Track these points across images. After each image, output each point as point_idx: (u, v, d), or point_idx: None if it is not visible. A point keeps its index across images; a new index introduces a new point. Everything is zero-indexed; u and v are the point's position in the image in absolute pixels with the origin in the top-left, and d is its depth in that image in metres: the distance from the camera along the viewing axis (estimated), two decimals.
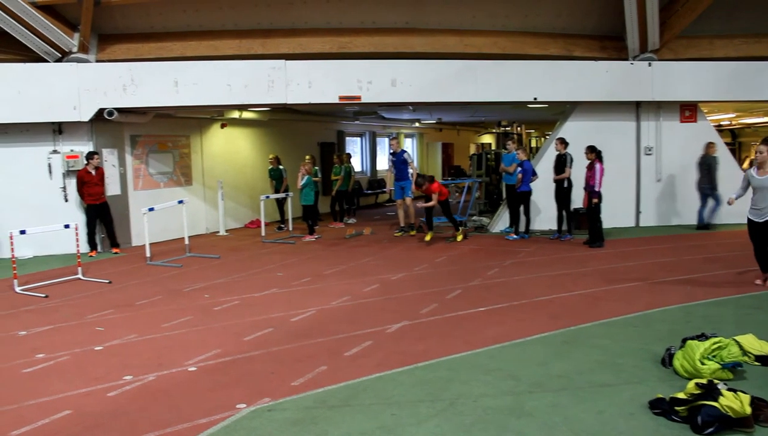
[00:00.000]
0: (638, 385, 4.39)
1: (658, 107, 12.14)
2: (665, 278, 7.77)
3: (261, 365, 5.03)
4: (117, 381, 4.72)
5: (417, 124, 22.66)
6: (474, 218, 13.73)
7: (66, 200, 10.81)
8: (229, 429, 3.87)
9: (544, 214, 11.84)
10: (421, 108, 15.84)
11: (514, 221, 11.57)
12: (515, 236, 11.33)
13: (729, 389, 3.82)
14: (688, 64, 11.67)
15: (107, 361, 5.22)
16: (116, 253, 10.77)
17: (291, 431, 3.83)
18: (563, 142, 10.92)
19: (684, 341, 4.79)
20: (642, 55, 11.59)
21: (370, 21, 11.56)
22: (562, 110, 13.58)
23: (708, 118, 12.86)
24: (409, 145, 23.42)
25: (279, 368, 4.94)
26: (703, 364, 4.43)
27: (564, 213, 11.07)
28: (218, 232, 13.25)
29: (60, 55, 10.64)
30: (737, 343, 4.71)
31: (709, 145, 11.66)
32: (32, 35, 10.06)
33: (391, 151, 12.66)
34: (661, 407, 3.91)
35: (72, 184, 10.71)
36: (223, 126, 13.99)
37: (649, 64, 11.57)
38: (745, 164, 17.17)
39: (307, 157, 12.79)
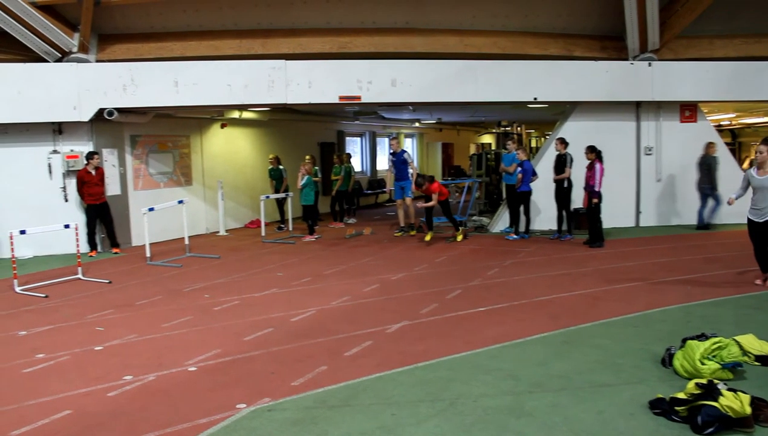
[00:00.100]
0: (638, 385, 4.39)
1: (658, 107, 12.14)
2: (665, 278, 7.77)
3: (261, 365, 5.03)
4: (117, 381, 4.72)
5: (417, 124, 22.66)
6: (474, 218, 13.73)
7: (66, 200, 10.81)
8: (229, 429, 3.87)
9: (544, 215, 11.84)
10: (421, 108, 15.84)
11: (514, 221, 11.58)
12: (515, 236, 11.34)
13: (729, 389, 3.82)
14: (688, 64, 11.68)
15: (107, 361, 5.22)
16: (116, 253, 10.77)
17: (291, 431, 3.83)
18: (563, 142, 10.92)
19: (684, 341, 4.79)
20: (642, 55, 11.60)
21: (370, 21, 11.56)
22: (562, 110, 13.58)
23: (708, 118, 12.85)
24: (409, 145, 23.42)
25: (279, 368, 4.94)
26: (703, 364, 4.43)
27: (564, 213, 11.07)
28: (218, 232, 13.25)
29: (60, 55, 10.64)
30: (737, 343, 4.71)
31: (709, 145, 11.66)
32: (32, 35, 10.06)
33: (391, 151, 12.66)
34: (661, 407, 3.92)
35: (72, 184, 10.71)
36: (223, 126, 13.99)
37: (649, 64, 11.57)
38: (745, 164, 17.17)
39: (307, 157, 12.79)
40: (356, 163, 19.00)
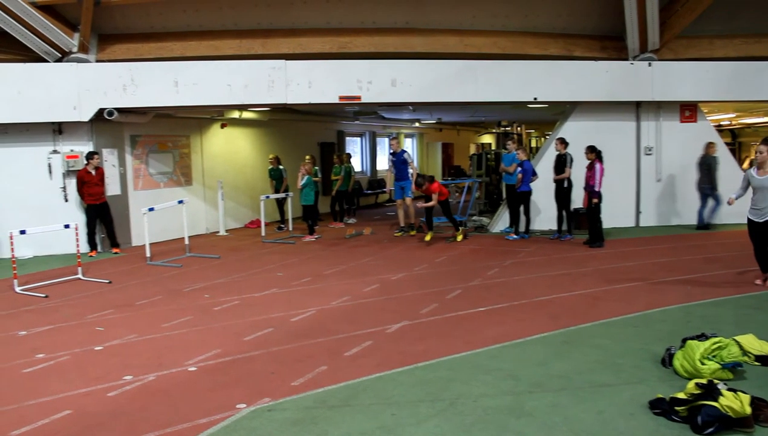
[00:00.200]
0: (638, 385, 4.39)
1: (658, 107, 12.14)
2: (665, 278, 7.77)
3: (261, 365, 5.03)
4: (117, 381, 4.72)
5: (417, 124, 22.66)
6: (474, 217, 13.74)
7: (66, 200, 10.81)
8: (229, 429, 3.87)
9: (544, 215, 11.84)
10: (421, 108, 15.84)
11: (514, 220, 11.57)
12: (515, 236, 11.34)
13: (729, 389, 3.82)
14: (688, 64, 11.67)
15: (107, 361, 5.22)
16: (116, 253, 10.77)
17: (291, 431, 3.83)
18: (563, 142, 10.92)
19: (684, 341, 4.79)
20: (642, 55, 11.60)
21: (370, 21, 11.56)
22: (562, 110, 13.58)
23: (708, 118, 12.85)
24: (409, 145, 23.42)
25: (279, 368, 4.94)
26: (703, 364, 4.43)
27: (564, 213, 11.07)
28: (218, 232, 13.25)
29: (60, 55, 10.64)
30: (737, 343, 4.71)
31: (709, 145, 11.66)
32: (32, 35, 10.06)
33: (391, 151, 12.67)
34: (661, 407, 3.92)
35: (72, 184, 10.70)
36: (223, 126, 13.99)
37: (649, 64, 11.57)
38: (745, 164, 17.17)
39: (307, 157, 12.79)
40: (356, 164, 19.00)
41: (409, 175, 12.34)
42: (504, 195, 13.54)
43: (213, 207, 13.41)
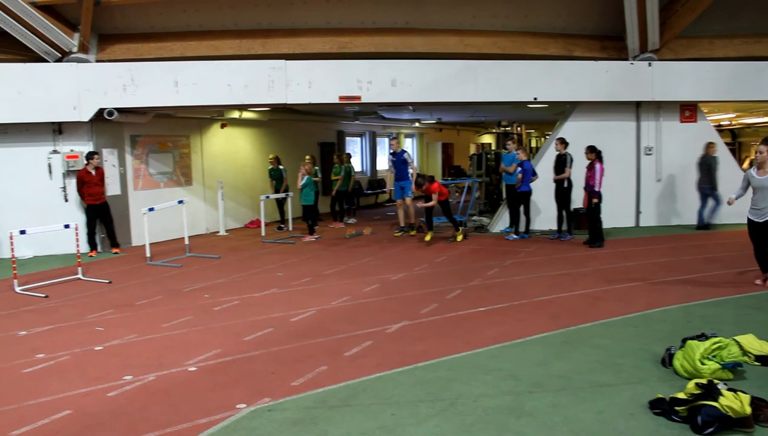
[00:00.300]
0: (638, 385, 4.39)
1: (658, 107, 12.14)
2: (665, 278, 7.77)
3: (261, 365, 5.03)
4: (117, 381, 4.72)
5: (417, 124, 22.66)
6: (474, 217, 13.74)
7: (66, 200, 10.81)
8: (229, 429, 3.87)
9: (544, 215, 11.84)
10: (421, 108, 15.84)
11: (514, 221, 11.57)
12: (515, 236, 11.34)
13: (729, 389, 3.82)
14: (688, 64, 11.67)
15: (107, 361, 5.22)
16: (116, 253, 10.77)
17: (291, 431, 3.83)
18: (563, 142, 10.92)
19: (684, 341, 4.79)
20: (642, 55, 11.59)
21: (370, 21, 11.56)
22: (562, 110, 13.58)
23: (708, 118, 12.85)
24: (409, 145, 23.42)
25: (279, 368, 4.94)
26: (703, 364, 4.43)
27: (564, 213, 11.07)
28: (218, 232, 13.25)
29: (60, 55, 10.64)
30: (737, 343, 4.71)
31: (709, 145, 11.66)
32: (32, 35, 10.06)
33: (391, 151, 12.67)
34: (661, 407, 3.92)
35: (72, 184, 10.70)
36: (223, 126, 13.99)
37: (649, 64, 11.57)
38: (745, 164, 17.17)
39: (307, 157, 12.79)
40: (356, 164, 19.00)
41: (409, 175, 12.34)
42: (504, 195, 13.54)
43: (213, 207, 13.41)
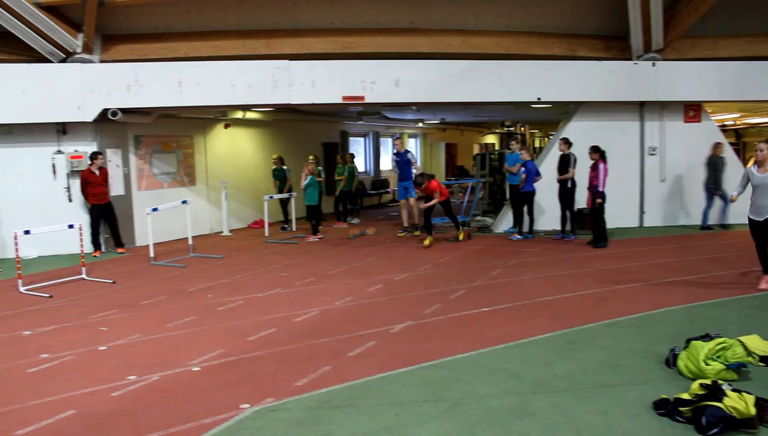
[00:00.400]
0: (642, 385, 4.38)
1: (662, 107, 12.10)
2: (669, 279, 7.75)
3: (265, 365, 5.04)
4: (121, 381, 4.73)
5: (420, 125, 22.66)
6: (478, 218, 13.72)
7: (70, 200, 10.84)
8: (233, 429, 3.88)
9: (548, 215, 11.83)
10: (424, 108, 15.84)
11: (518, 221, 11.56)
12: (519, 237, 11.32)
13: (733, 390, 3.81)
14: (693, 64, 11.64)
15: (111, 361, 5.23)
16: (120, 253, 10.79)
17: (295, 431, 3.83)
18: (567, 142, 10.91)
19: (688, 341, 4.77)
20: (646, 55, 11.56)
21: (374, 21, 11.56)
22: (565, 110, 13.56)
23: (712, 118, 12.81)
24: (412, 146, 23.41)
25: (283, 368, 4.95)
26: (707, 364, 4.42)
27: (568, 213, 11.05)
28: (222, 232, 13.26)
29: (64, 56, 10.68)
30: (742, 343, 4.70)
31: (717, 146, 11.63)
32: (36, 36, 10.09)
33: (395, 151, 12.66)
34: (666, 408, 3.91)
35: (76, 184, 10.72)
36: (226, 126, 14.01)
37: (653, 64, 11.54)
38: (749, 164, 17.10)
39: (311, 157, 12.80)
40: (359, 164, 19.00)
41: (413, 175, 12.33)
42: (507, 195, 13.52)
43: (217, 207, 13.43)
